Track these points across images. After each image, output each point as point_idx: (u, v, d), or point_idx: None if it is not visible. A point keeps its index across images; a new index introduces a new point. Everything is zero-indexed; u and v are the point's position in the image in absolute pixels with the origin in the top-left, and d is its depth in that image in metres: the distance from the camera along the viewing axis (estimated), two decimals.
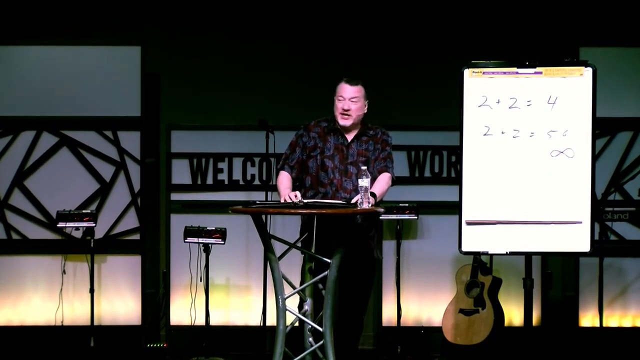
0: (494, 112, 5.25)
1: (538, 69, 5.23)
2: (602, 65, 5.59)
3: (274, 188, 6.67)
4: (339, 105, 5.13)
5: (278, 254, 4.86)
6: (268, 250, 4.76)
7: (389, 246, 6.97)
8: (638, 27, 6.95)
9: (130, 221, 6.94)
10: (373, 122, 7.00)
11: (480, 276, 6.55)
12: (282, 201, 4.88)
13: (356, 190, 4.99)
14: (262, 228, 4.83)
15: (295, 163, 5.17)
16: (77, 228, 6.65)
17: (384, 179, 5.13)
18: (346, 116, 5.12)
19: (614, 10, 6.96)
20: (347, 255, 4.79)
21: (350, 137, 5.16)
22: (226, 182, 6.96)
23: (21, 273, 6.92)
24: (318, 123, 5.21)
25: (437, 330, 6.69)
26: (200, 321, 6.65)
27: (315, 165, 5.09)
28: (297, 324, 4.96)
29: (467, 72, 5.26)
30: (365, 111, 5.23)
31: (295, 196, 4.82)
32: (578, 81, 5.21)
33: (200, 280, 6.57)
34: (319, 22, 7.10)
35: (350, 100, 5.12)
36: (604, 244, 6.70)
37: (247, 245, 6.89)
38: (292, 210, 4.68)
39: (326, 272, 4.76)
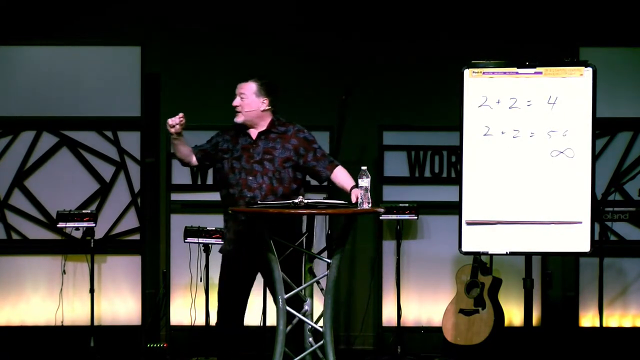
0: (494, 112, 5.25)
1: (538, 69, 5.23)
2: (602, 65, 5.59)
3: None
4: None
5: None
6: (268, 250, 4.76)
7: (389, 246, 6.98)
8: (638, 27, 6.95)
9: (130, 221, 6.94)
10: (373, 122, 7.03)
11: (480, 276, 6.55)
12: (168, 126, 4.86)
13: (260, 188, 4.95)
14: (262, 228, 4.83)
15: (201, 149, 5.11)
16: (77, 228, 6.65)
17: (345, 171, 5.07)
18: (236, 113, 5.05)
19: (614, 11, 6.96)
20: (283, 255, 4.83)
21: (255, 135, 5.08)
22: None
23: (21, 273, 6.92)
24: (233, 127, 5.15)
25: (437, 330, 6.69)
26: (200, 321, 6.66)
27: (226, 168, 5.04)
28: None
29: (467, 72, 5.26)
30: (263, 108, 5.05)
31: (180, 117, 4.84)
32: (578, 81, 5.21)
33: (200, 280, 6.57)
34: (319, 23, 7.11)
35: (239, 95, 5.07)
36: (604, 244, 6.70)
37: None
38: (292, 211, 4.68)
39: (326, 272, 4.76)
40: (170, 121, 4.87)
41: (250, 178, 4.96)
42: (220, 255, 5.09)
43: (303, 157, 5.05)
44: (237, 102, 5.05)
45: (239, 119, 5.05)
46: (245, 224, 4.97)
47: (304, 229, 5.10)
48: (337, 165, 5.08)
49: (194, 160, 5.08)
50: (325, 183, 5.21)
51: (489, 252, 5.47)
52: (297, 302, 4.86)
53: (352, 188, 4.91)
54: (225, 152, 5.05)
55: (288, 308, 4.77)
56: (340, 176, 5.06)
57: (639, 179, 6.80)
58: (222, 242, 5.17)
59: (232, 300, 5.03)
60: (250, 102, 5.04)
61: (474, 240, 5.28)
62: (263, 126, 5.07)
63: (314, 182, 6.83)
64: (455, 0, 7.10)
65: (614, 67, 6.81)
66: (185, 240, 6.51)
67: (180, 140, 4.97)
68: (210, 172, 6.90)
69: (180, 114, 4.88)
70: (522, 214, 5.22)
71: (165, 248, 6.99)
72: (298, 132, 5.09)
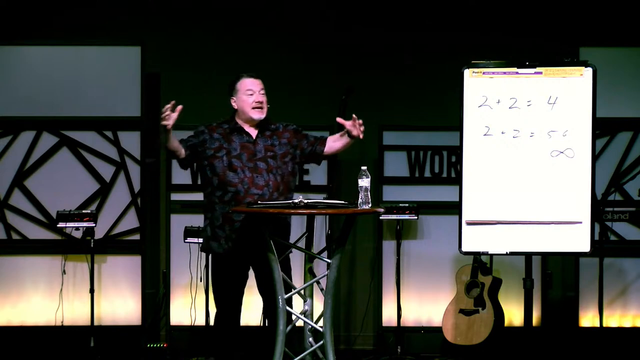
0: (494, 112, 5.25)
1: (538, 69, 5.24)
2: (602, 65, 5.59)
3: None
4: (250, 99, 5.04)
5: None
6: (268, 250, 4.76)
7: (389, 246, 6.98)
8: (638, 27, 6.95)
9: (130, 221, 6.94)
10: (373, 122, 7.02)
11: (480, 276, 6.55)
12: (163, 117, 4.78)
13: (267, 185, 4.96)
14: (262, 228, 4.83)
15: (189, 144, 5.04)
16: (77, 228, 6.64)
17: (332, 136, 5.18)
18: (260, 109, 5.05)
19: (614, 11, 6.97)
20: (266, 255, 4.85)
21: (254, 133, 5.08)
22: None
23: (21, 273, 6.92)
24: (219, 125, 5.11)
25: (437, 330, 6.69)
26: (200, 321, 6.66)
27: (221, 166, 5.00)
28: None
29: (468, 72, 5.26)
30: None
31: (173, 106, 4.74)
32: (578, 81, 5.21)
33: (200, 280, 6.58)
34: (318, 23, 7.12)
35: (259, 93, 5.07)
36: (604, 244, 6.70)
37: None
38: (292, 211, 4.68)
39: (326, 272, 4.76)
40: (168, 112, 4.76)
41: (257, 176, 4.97)
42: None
43: (298, 146, 5.12)
44: (261, 97, 5.07)
45: (262, 114, 5.08)
46: (241, 222, 4.96)
47: (298, 228, 5.12)
48: (325, 138, 5.17)
49: (183, 153, 5.04)
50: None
51: (489, 252, 5.47)
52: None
53: (342, 134, 5.02)
54: (217, 150, 5.02)
55: (288, 308, 4.77)
56: (331, 141, 5.14)
57: (639, 179, 6.80)
58: (208, 241, 5.09)
59: (231, 299, 5.04)
60: (266, 98, 5.09)
61: (474, 240, 5.28)
62: (259, 123, 5.09)
63: (314, 182, 6.86)
64: (455, 1, 7.10)
65: (614, 67, 6.81)
66: (185, 240, 6.51)
67: (171, 132, 4.91)
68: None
69: (179, 107, 4.81)
70: (522, 214, 5.22)
71: (165, 248, 6.99)
72: (287, 127, 5.17)
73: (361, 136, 4.98)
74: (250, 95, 5.05)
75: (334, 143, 5.15)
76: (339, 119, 4.99)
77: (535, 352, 6.19)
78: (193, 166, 6.92)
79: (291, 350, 4.85)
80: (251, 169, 4.98)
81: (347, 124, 4.97)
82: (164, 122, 4.79)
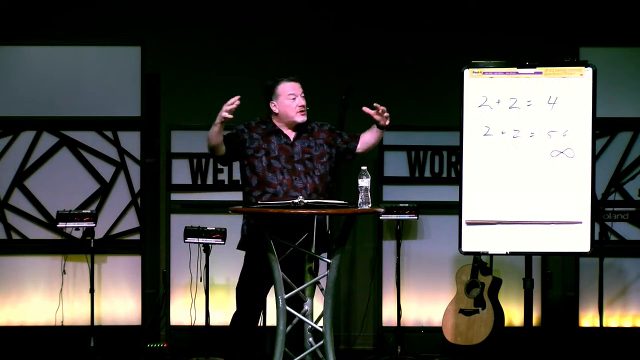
0: (494, 112, 5.25)
1: (538, 69, 5.23)
2: (602, 65, 5.59)
3: None
4: (293, 103, 5.05)
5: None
6: (268, 250, 4.76)
7: (389, 246, 6.98)
8: (638, 27, 6.95)
9: (130, 221, 6.94)
10: (373, 122, 7.03)
11: (480, 276, 6.55)
12: (221, 115, 4.81)
13: (305, 188, 4.97)
14: (262, 228, 4.83)
15: (231, 142, 5.03)
16: (77, 228, 6.64)
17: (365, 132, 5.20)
18: (304, 112, 5.07)
19: (614, 11, 6.97)
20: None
21: (292, 135, 5.09)
22: (226, 182, 6.96)
23: (21, 273, 6.92)
24: (258, 125, 5.11)
25: (437, 330, 6.69)
26: (200, 321, 6.66)
27: (261, 166, 5.02)
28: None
29: (467, 72, 5.26)
30: None
31: (233, 103, 4.77)
32: (578, 81, 5.21)
33: (200, 280, 6.57)
34: (317, 23, 7.12)
35: (301, 96, 5.09)
36: (604, 244, 6.70)
37: None
38: (292, 211, 4.67)
39: (326, 273, 4.76)
40: (230, 107, 4.80)
41: (295, 178, 4.99)
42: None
43: (334, 145, 5.16)
44: (304, 101, 5.09)
45: (305, 118, 5.09)
46: (275, 223, 4.96)
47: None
48: (359, 136, 5.20)
49: (223, 150, 5.03)
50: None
51: (489, 252, 5.47)
52: (298, 301, 4.87)
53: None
54: (256, 150, 5.03)
55: (288, 308, 4.76)
56: (365, 136, 5.18)
57: (639, 179, 6.81)
58: (244, 239, 5.10)
59: (256, 300, 5.06)
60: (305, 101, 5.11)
61: (474, 240, 5.28)
62: (297, 126, 5.10)
63: None
64: (455, 1, 7.10)
65: (614, 67, 6.81)
66: (185, 240, 6.51)
67: (223, 127, 4.90)
68: (210, 172, 6.97)
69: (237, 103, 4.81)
70: (522, 214, 5.22)
71: (165, 248, 6.99)
72: (322, 126, 5.19)
73: (387, 123, 5.02)
74: (293, 100, 5.06)
75: (367, 138, 5.18)
76: (365, 109, 4.99)
77: (535, 352, 6.19)
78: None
79: (291, 350, 4.86)
80: (289, 171, 5.00)
81: (372, 113, 4.99)
82: (225, 115, 4.81)
